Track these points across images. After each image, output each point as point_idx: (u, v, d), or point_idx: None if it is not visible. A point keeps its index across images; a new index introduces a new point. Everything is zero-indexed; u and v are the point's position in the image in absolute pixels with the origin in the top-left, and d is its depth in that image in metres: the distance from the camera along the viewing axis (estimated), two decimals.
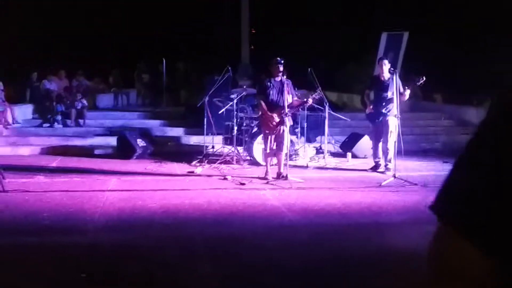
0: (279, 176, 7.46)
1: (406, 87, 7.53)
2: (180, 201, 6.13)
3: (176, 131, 11.80)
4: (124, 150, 9.80)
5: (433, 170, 8.68)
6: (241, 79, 12.99)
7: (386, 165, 7.88)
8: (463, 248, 0.71)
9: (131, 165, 8.88)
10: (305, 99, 7.42)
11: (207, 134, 9.68)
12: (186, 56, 15.91)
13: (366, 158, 9.41)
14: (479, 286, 0.71)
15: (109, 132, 11.35)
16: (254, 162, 8.72)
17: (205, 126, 9.59)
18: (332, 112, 9.45)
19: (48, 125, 11.85)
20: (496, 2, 15.07)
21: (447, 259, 0.74)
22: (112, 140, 10.38)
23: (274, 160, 7.78)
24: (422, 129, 12.34)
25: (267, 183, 7.25)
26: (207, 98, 9.34)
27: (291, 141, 8.61)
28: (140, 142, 9.98)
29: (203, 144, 10.02)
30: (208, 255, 4.34)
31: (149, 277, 3.77)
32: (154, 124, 12.19)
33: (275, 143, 7.47)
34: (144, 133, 10.83)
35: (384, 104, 7.63)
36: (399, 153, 7.64)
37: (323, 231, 5.08)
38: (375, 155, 8.08)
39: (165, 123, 12.34)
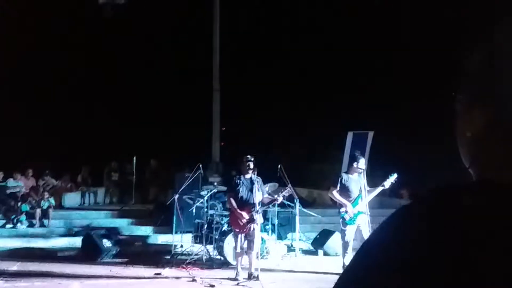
0: (250, 276, 7.20)
1: (382, 186, 7.56)
2: None
3: (144, 230, 11.46)
4: (89, 252, 9.39)
5: None
6: (211, 176, 12.98)
7: None
8: None
9: (96, 267, 8.46)
10: (276, 197, 7.38)
11: (176, 233, 9.43)
12: (157, 154, 15.92)
13: (338, 255, 9.24)
14: None
15: (74, 232, 10.95)
16: (224, 262, 8.44)
17: (174, 224, 9.36)
18: (302, 209, 9.41)
19: (11, 226, 11.39)
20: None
21: None
22: (77, 241, 9.98)
23: (245, 260, 7.55)
24: None
25: (238, 284, 6.97)
26: (177, 196, 9.21)
27: (262, 239, 8.44)
28: (106, 243, 9.61)
29: (171, 243, 9.73)
30: None
31: None
32: (121, 223, 11.85)
33: (245, 242, 7.29)
34: (111, 233, 10.47)
35: (356, 203, 7.60)
36: None
37: None
38: (345, 256, 7.81)
39: (133, 221, 12.01)
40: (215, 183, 9.69)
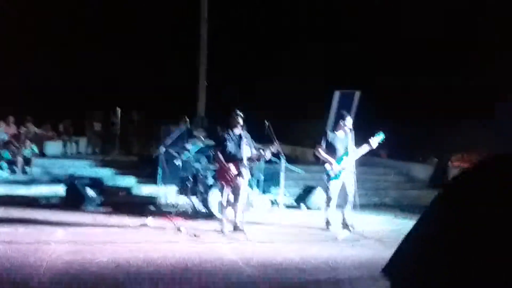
0: (236, 229, 7.30)
1: (367, 144, 7.63)
2: (132, 255, 5.83)
3: (128, 181, 11.45)
4: (72, 200, 9.38)
5: (386, 225, 8.77)
6: (196, 130, 12.92)
7: (343, 221, 7.80)
8: None
9: (80, 215, 8.47)
10: (263, 153, 7.39)
11: (160, 185, 9.45)
12: (141, 106, 15.73)
13: (320, 210, 9.41)
14: None
15: (57, 180, 10.87)
16: (209, 214, 8.51)
17: (159, 176, 9.38)
18: (288, 165, 9.48)
19: None
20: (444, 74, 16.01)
21: None
22: (60, 189, 9.93)
23: (230, 213, 7.62)
24: (373, 184, 12.56)
25: (224, 236, 7.06)
26: (163, 149, 9.18)
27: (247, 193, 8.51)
28: (90, 192, 9.60)
29: (156, 195, 9.77)
30: None
31: None
32: (104, 173, 11.80)
33: (232, 195, 7.34)
34: (94, 182, 10.43)
35: (341, 160, 7.68)
36: (354, 207, 7.69)
37: (283, 286, 4.92)
38: (328, 212, 7.95)
39: (116, 172, 11.97)
40: (202, 137, 9.65)
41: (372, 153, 10.17)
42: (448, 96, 17.40)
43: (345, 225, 7.67)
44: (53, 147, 14.41)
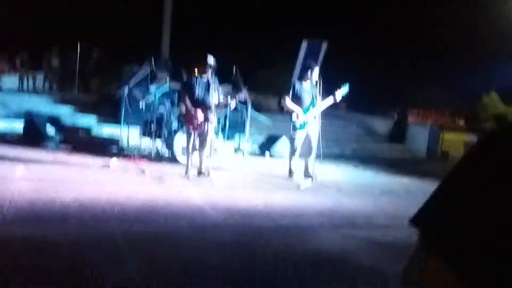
0: (200, 174, 7.33)
1: (333, 96, 7.69)
2: (96, 195, 5.78)
3: (88, 120, 11.19)
4: (31, 136, 9.14)
5: (346, 175, 9.03)
6: (160, 72, 12.62)
7: (306, 170, 7.94)
8: (440, 269, 0.72)
9: (40, 153, 8.28)
10: (230, 101, 7.33)
11: (123, 126, 9.30)
12: (102, 42, 15.16)
13: (283, 158, 9.56)
14: None
15: (15, 116, 10.50)
16: (173, 158, 8.50)
17: (122, 117, 9.21)
18: (254, 113, 9.48)
19: None
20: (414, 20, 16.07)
21: (423, 277, 0.75)
22: (18, 125, 9.62)
23: (195, 158, 7.63)
24: (334, 135, 12.78)
25: (188, 180, 7.09)
26: (126, 89, 8.96)
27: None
28: (49, 129, 9.35)
29: (118, 137, 9.62)
30: (131, 254, 4.11)
31: (71, 276, 3.49)
32: (63, 111, 11.46)
33: (197, 141, 7.32)
34: (53, 119, 10.17)
35: (308, 110, 7.73)
36: (316, 157, 7.84)
37: (248, 232, 5.03)
38: (291, 161, 8.06)
39: (75, 109, 11.65)
40: (167, 80, 9.46)
41: (333, 104, 10.35)
42: (409, 52, 17.68)
43: (307, 174, 7.83)
44: (9, 81, 13.81)
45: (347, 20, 17.35)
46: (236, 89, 8.96)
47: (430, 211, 0.77)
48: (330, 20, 16.79)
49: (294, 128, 7.72)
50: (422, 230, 0.76)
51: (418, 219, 0.77)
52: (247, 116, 9.22)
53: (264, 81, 16.18)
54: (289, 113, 7.79)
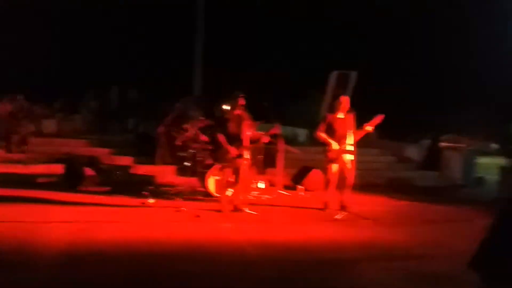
0: (236, 209, 7.32)
1: (366, 126, 7.63)
2: (135, 234, 5.83)
3: (125, 160, 11.37)
4: (70, 179, 9.33)
5: (381, 205, 8.84)
6: (193, 110, 12.82)
7: (341, 202, 7.83)
8: None
9: (79, 195, 8.44)
10: (264, 134, 7.39)
11: (159, 164, 9.44)
12: (137, 83, 15.57)
13: (317, 191, 9.46)
14: None
15: (55, 159, 10.77)
16: (208, 194, 8.52)
17: (158, 156, 9.36)
18: (286, 145, 9.47)
19: None
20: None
21: None
22: (57, 168, 9.86)
23: (230, 193, 7.63)
24: (367, 164, 12.60)
25: (224, 216, 7.08)
26: (161, 128, 9.14)
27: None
28: (88, 171, 9.54)
29: (153, 175, 9.75)
30: None
31: None
32: (101, 152, 11.70)
33: (232, 176, 7.34)
34: (91, 161, 10.37)
35: (342, 141, 7.66)
36: (351, 188, 7.72)
37: (286, 267, 4.95)
38: (326, 193, 7.96)
39: (113, 151, 11.88)
40: (200, 118, 9.60)
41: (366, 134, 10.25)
42: (439, 79, 17.50)
43: (343, 206, 7.72)
44: (49, 125, 14.22)
45: (376, 47, 17.37)
46: (267, 124, 8.99)
47: (491, 256, 0.74)
48: (360, 48, 16.86)
49: (328, 160, 7.65)
50: (486, 276, 0.73)
51: (478, 264, 0.74)
52: (279, 150, 9.21)
53: (295, 114, 16.22)
54: (322, 145, 7.75)
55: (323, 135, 7.69)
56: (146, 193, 8.52)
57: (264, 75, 16.91)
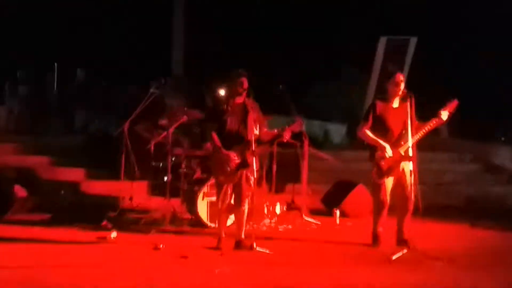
0: (240, 245, 7.35)
1: (436, 117, 7.58)
2: (92, 284, 5.87)
3: (73, 174, 11.49)
4: None
5: (459, 238, 8.82)
6: (172, 97, 12.92)
7: (399, 234, 7.84)
8: None
9: (7, 226, 8.51)
10: (280, 131, 7.38)
11: (124, 179, 9.48)
12: (88, 61, 15.67)
13: (362, 218, 9.49)
14: None
15: None
16: (198, 223, 8.56)
17: (121, 167, 9.41)
18: (313, 149, 9.52)
19: None
20: None
21: None
22: None
23: (231, 222, 7.67)
24: (435, 176, 12.62)
25: (222, 255, 7.12)
26: (125, 125, 9.22)
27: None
28: (18, 190, 9.64)
29: (115, 196, 9.81)
30: None
31: None
32: (37, 162, 11.81)
33: (233, 195, 7.36)
34: (24, 177, 10.48)
35: (399, 143, 7.63)
36: (413, 213, 7.73)
37: None
38: (376, 222, 7.98)
39: (54, 160, 11.98)
40: (185, 109, 9.65)
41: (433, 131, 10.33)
42: None
43: (401, 240, 7.73)
44: None
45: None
46: (285, 117, 9.04)
47: None
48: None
49: (379, 173, 7.65)
50: None
51: None
52: (304, 156, 9.23)
53: (325, 102, 16.25)
54: (368, 148, 7.77)
55: (369, 134, 7.69)
56: (105, 222, 8.57)
57: (277, 45, 16.93)
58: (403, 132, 7.64)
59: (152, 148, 9.37)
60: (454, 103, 7.63)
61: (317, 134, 15.16)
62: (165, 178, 9.02)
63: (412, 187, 7.58)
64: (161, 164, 9.27)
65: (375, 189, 7.84)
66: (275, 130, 7.65)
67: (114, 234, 8.00)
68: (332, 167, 11.08)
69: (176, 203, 9.09)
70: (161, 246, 7.40)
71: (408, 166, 7.63)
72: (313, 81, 17.55)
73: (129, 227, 8.48)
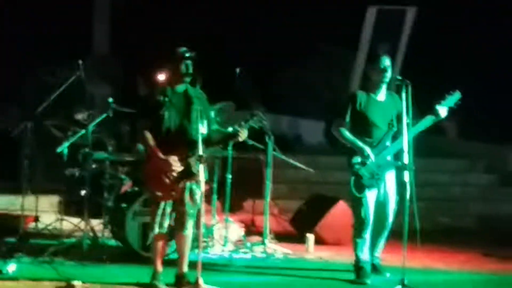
0: (181, 281, 7.35)
1: (432, 113, 7.72)
2: None
3: None
4: None
5: (467, 271, 8.93)
6: (94, 83, 12.86)
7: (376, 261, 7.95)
8: None
9: None
10: (236, 128, 7.40)
11: (27, 193, 9.44)
12: None
13: (340, 245, 9.57)
14: None
15: None
16: (126, 252, 8.59)
17: (23, 177, 9.37)
18: (279, 155, 9.57)
19: None
20: None
21: None
22: None
23: (171, 250, 7.67)
24: (439, 189, 12.76)
25: None
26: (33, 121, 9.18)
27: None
28: None
29: (15, 215, 9.75)
30: None
31: None
32: None
33: (174, 215, 7.36)
34: None
35: (384, 145, 7.75)
36: (414, 234, 7.79)
37: None
38: (359, 248, 8.02)
39: None
40: (110, 100, 9.62)
41: (434, 128, 10.56)
42: None
43: (377, 269, 7.91)
44: None
45: None
46: (242, 111, 9.09)
47: None
48: None
49: (360, 184, 7.73)
50: None
51: None
52: (267, 162, 9.28)
53: (296, 92, 16.35)
54: (348, 152, 7.85)
55: (346, 134, 7.78)
56: (2, 251, 8.50)
57: (235, 16, 16.97)
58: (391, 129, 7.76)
59: (66, 151, 9.30)
60: (455, 97, 7.77)
61: (286, 134, 15.26)
62: (83, 192, 8.96)
63: (402, 205, 7.67)
64: (77, 173, 9.19)
65: (355, 205, 7.93)
66: (229, 128, 7.68)
67: (11, 266, 7.94)
68: (305, 177, 11.13)
69: (97, 225, 9.07)
70: (75, 284, 7.35)
71: (392, 177, 7.76)
72: (283, 64, 17.58)
73: (34, 258, 8.39)
